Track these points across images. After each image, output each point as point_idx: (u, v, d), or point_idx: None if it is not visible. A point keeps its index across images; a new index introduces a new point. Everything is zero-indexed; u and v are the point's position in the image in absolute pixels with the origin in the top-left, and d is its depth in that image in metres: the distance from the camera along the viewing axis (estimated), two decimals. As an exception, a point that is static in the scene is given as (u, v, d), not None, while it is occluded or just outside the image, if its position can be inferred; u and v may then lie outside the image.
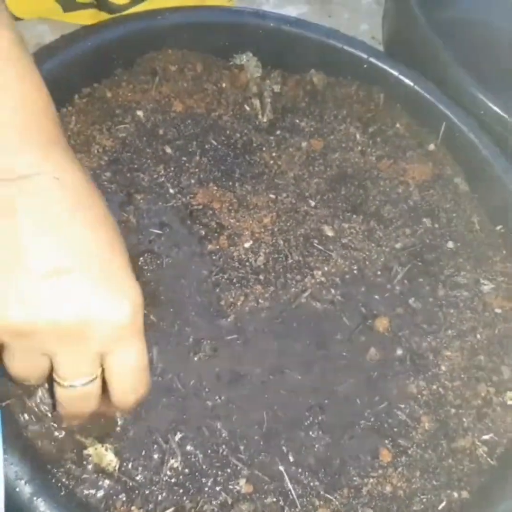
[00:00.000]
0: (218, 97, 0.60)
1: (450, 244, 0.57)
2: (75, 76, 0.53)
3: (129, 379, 0.37)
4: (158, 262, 0.49)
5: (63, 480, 0.39)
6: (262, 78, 0.63)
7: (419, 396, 0.49)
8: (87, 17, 0.66)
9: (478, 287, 0.55)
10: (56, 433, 0.40)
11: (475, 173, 0.60)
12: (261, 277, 0.51)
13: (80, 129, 0.53)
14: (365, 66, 0.62)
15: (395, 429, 0.47)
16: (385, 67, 0.62)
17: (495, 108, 0.62)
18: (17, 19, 0.62)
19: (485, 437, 0.48)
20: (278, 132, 0.59)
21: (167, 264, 0.49)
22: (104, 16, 0.64)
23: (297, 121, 0.61)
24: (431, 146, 0.62)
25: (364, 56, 0.62)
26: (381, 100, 0.63)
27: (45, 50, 0.52)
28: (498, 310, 0.54)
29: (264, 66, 0.63)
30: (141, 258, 0.49)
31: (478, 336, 0.52)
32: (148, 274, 0.48)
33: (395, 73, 0.62)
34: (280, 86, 0.62)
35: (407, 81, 0.62)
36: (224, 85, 0.61)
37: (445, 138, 0.62)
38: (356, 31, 0.79)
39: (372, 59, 0.62)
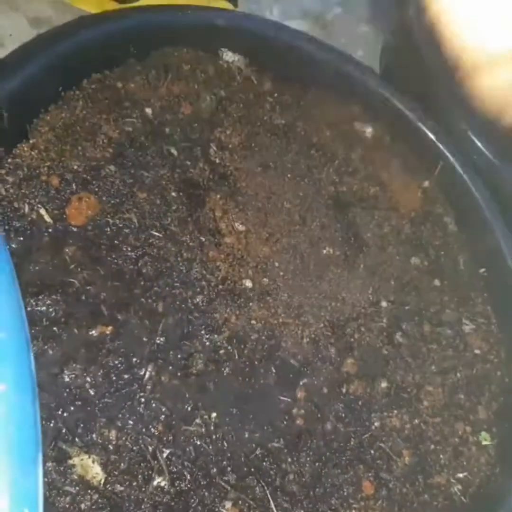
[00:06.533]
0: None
1: (437, 282, 0.58)
2: (88, 59, 0.50)
3: None
4: (157, 265, 0.47)
5: (44, 490, 0.37)
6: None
7: (402, 429, 0.49)
8: (94, 4, 0.63)
9: (460, 326, 0.56)
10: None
11: (465, 214, 0.62)
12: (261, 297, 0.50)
13: (86, 115, 0.50)
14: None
15: (378, 462, 0.47)
16: (397, 104, 0.62)
17: (486, 153, 0.64)
18: None
19: (460, 475, 0.49)
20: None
21: (165, 270, 0.47)
22: (111, 5, 0.62)
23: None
24: (426, 183, 0.63)
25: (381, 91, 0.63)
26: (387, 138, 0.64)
27: (63, 28, 0.48)
28: (477, 351, 0.56)
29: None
30: (140, 261, 0.46)
31: (458, 374, 0.54)
32: (144, 281, 0.46)
33: (402, 108, 0.62)
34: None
35: (411, 116, 0.63)
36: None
37: (439, 177, 0.63)
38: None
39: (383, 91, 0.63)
